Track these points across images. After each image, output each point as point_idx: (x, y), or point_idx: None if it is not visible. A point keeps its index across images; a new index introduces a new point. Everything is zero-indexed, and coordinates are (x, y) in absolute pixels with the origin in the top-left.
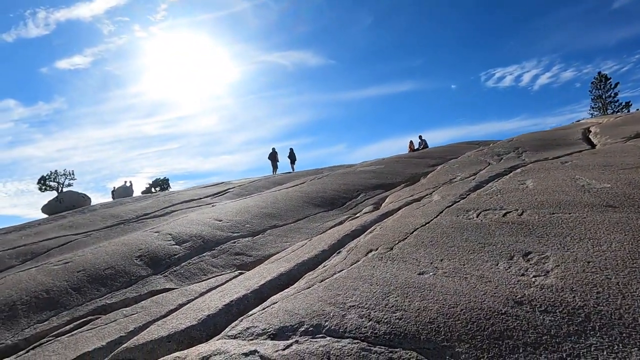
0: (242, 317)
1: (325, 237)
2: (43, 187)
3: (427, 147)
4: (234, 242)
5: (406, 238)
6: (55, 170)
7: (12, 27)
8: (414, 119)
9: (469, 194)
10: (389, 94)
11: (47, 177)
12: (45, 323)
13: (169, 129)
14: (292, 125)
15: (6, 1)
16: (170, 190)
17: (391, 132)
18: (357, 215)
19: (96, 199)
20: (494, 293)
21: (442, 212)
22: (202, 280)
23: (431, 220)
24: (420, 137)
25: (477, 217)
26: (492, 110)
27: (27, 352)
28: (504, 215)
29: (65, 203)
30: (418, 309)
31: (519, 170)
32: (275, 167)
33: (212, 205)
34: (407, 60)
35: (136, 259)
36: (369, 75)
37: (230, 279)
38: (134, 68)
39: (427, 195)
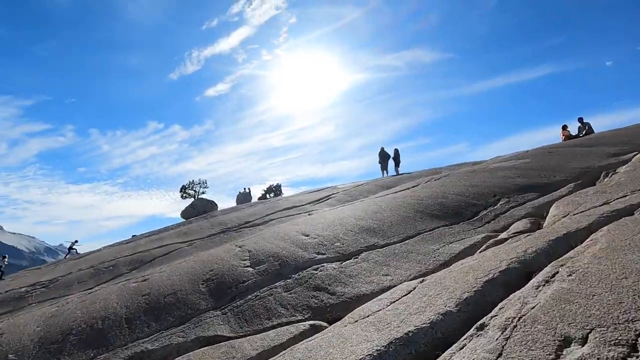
0: None
1: (448, 281)
2: (183, 195)
3: (593, 132)
4: (316, 269)
5: None
6: (192, 180)
7: (175, 68)
8: (551, 109)
9: None
10: (518, 82)
11: (186, 186)
12: None
13: (292, 139)
14: (407, 127)
15: (170, 46)
16: (281, 196)
17: (523, 125)
18: (499, 235)
19: (233, 203)
20: None
21: None
22: (261, 331)
23: None
24: (580, 119)
25: None
26: None
27: None
28: None
29: (197, 209)
30: None
31: None
32: (385, 167)
33: (309, 214)
34: (541, 40)
35: (202, 284)
36: (493, 63)
37: (292, 339)
38: (262, 88)
39: None
